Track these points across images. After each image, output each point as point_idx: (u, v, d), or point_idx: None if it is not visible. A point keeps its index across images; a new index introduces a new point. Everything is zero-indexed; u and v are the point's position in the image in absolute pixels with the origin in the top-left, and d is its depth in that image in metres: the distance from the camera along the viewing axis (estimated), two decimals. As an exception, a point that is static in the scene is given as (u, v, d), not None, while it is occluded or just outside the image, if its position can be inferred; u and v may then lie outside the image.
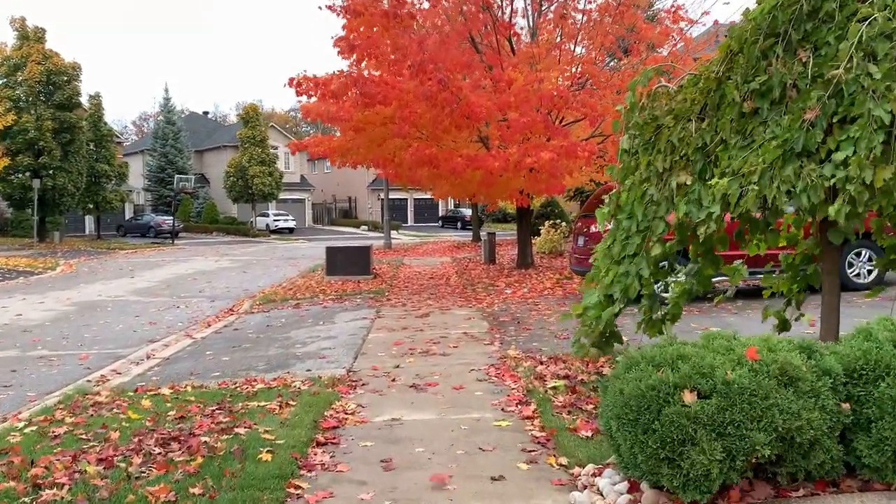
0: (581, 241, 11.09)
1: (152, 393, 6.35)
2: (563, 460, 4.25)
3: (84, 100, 40.37)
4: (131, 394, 6.38)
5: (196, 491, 3.86)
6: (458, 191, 15.77)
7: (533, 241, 19.05)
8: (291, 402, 5.73)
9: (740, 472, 3.30)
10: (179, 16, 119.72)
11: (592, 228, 10.60)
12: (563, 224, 22.30)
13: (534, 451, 4.50)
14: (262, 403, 5.73)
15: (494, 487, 3.94)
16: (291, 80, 12.50)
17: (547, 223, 21.75)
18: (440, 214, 59.75)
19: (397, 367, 7.15)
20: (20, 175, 33.73)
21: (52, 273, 22.24)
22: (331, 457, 4.53)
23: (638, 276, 4.97)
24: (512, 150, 11.81)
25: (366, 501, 3.81)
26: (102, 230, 45.39)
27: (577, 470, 4.09)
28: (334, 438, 4.88)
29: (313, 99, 12.69)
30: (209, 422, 5.24)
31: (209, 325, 11.26)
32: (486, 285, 14.28)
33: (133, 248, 36.23)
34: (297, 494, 3.90)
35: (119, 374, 7.80)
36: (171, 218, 42.38)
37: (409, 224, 58.67)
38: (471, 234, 37.74)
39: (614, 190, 5.99)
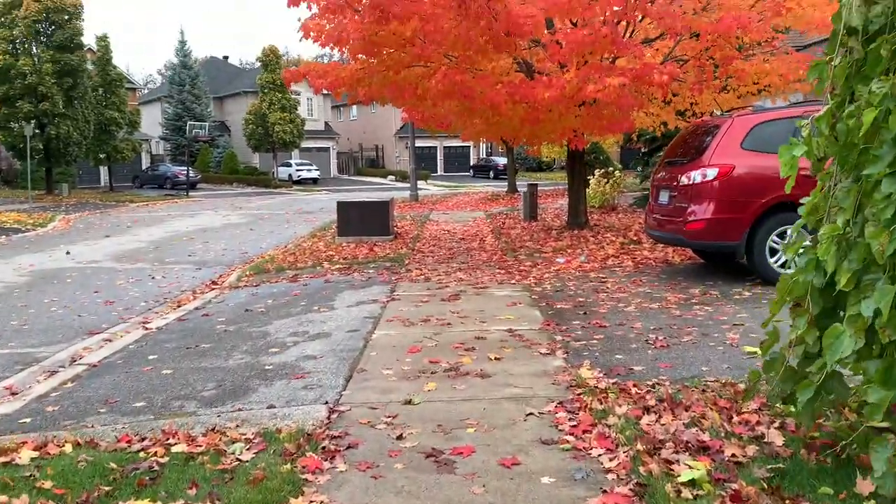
0: (665, 196, 8.22)
1: (1, 461, 3.82)
2: None
3: (92, 42, 37.94)
4: (-30, 459, 3.86)
5: None
6: (495, 131, 12.76)
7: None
8: (207, 506, 3.15)
9: None
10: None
11: (683, 181, 7.72)
12: (617, 173, 19.22)
13: None
14: (156, 506, 3.16)
15: None
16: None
17: (597, 172, 18.72)
18: (471, 164, 56.67)
19: (409, 402, 4.53)
20: (21, 123, 31.35)
21: (40, 230, 20.02)
22: None
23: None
24: (569, 74, 8.86)
25: None
26: (118, 181, 43.29)
27: None
28: None
29: (314, 9, 9.81)
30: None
31: (178, 306, 8.79)
32: (531, 251, 11.51)
33: (145, 200, 34.04)
34: None
35: (13, 395, 5.35)
36: (187, 168, 40.05)
37: (438, 174, 55.75)
38: (505, 184, 34.77)
39: (822, 111, 3.18)
